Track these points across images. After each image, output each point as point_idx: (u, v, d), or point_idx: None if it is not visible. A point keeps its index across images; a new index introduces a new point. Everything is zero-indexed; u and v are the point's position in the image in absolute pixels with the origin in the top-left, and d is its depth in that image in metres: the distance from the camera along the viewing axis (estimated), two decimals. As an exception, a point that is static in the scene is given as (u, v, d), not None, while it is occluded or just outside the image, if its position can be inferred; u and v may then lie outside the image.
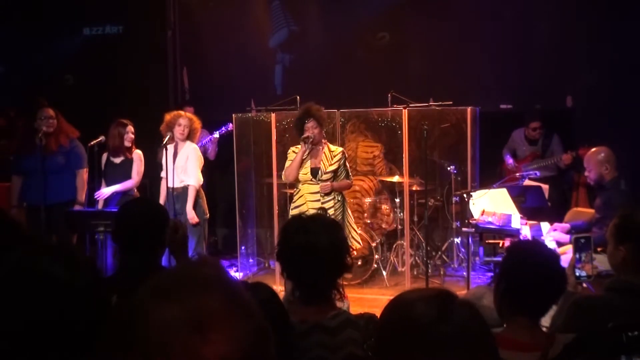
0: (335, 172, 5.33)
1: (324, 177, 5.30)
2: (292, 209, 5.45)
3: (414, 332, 1.11)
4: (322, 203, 5.28)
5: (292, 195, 5.71)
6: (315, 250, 2.18)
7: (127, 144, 5.84)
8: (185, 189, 5.70)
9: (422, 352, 1.10)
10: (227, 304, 0.84)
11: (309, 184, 5.35)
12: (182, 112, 5.84)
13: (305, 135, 5.22)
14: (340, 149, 5.51)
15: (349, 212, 5.57)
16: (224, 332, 0.81)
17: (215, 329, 0.81)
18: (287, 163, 5.43)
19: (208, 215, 5.91)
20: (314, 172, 5.32)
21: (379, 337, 1.18)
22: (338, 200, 5.36)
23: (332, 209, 5.26)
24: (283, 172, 5.50)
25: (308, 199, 5.34)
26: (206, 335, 0.80)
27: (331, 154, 5.35)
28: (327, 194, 5.30)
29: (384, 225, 6.80)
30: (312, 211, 5.17)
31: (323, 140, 5.38)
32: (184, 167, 5.72)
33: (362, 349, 2.14)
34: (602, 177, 5.01)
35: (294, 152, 5.41)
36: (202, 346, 0.79)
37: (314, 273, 2.19)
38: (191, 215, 5.63)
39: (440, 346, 1.09)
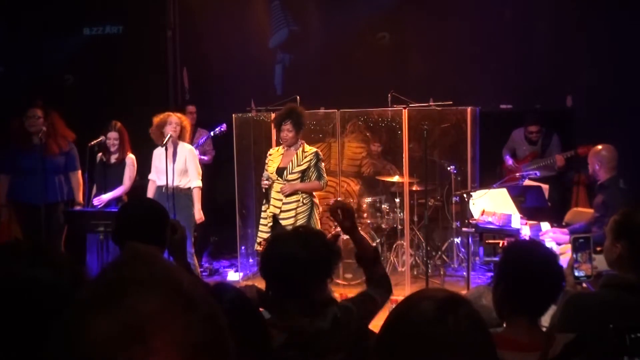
0: (303, 172, 5.33)
1: (289, 177, 5.31)
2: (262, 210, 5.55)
3: (410, 331, 1.11)
4: (283, 203, 5.30)
5: None
6: (289, 267, 2.12)
7: (111, 148, 5.87)
8: (184, 191, 5.71)
9: (416, 352, 1.09)
10: (165, 301, 0.75)
11: (276, 182, 5.40)
12: (170, 113, 5.84)
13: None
14: (314, 149, 5.50)
15: (317, 215, 5.46)
16: (168, 334, 0.73)
17: (157, 334, 0.72)
18: (266, 166, 5.53)
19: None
20: (280, 171, 5.36)
21: (381, 331, 1.18)
22: (304, 203, 5.33)
23: (294, 211, 5.27)
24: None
25: (272, 197, 5.38)
26: (149, 343, 0.71)
27: (303, 155, 5.36)
28: (290, 195, 5.31)
29: (383, 226, 6.81)
30: (274, 209, 5.30)
31: (300, 141, 5.41)
32: (183, 169, 5.73)
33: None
34: (595, 173, 5.01)
35: (269, 154, 5.53)
36: (147, 357, 0.71)
37: (289, 289, 2.15)
38: (199, 216, 5.75)
39: (434, 348, 1.08)
